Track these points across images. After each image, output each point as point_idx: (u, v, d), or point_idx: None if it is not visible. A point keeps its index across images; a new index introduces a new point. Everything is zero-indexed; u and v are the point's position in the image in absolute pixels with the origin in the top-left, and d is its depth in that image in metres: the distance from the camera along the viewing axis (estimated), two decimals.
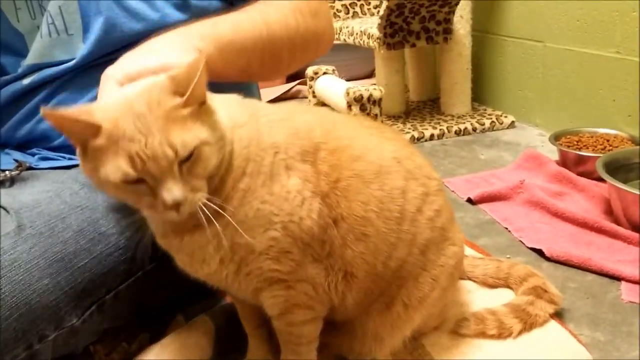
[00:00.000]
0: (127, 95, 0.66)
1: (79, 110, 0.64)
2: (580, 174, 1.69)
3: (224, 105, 0.74)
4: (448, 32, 2.33)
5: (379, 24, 2.24)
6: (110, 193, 0.68)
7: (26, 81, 1.00)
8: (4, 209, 0.83)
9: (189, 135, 0.63)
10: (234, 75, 0.91)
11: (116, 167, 0.62)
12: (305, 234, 0.75)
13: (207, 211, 0.66)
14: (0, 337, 0.72)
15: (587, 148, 1.80)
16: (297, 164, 0.75)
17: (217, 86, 0.75)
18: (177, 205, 0.64)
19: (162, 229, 0.75)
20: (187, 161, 0.64)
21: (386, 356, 0.94)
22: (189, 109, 0.64)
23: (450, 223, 0.91)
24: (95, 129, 0.62)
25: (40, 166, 0.98)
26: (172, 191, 0.63)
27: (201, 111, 0.66)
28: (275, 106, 0.84)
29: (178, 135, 0.63)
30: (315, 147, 0.78)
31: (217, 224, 0.68)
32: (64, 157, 1.00)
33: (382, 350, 0.91)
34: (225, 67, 0.88)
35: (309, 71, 2.64)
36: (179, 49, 0.80)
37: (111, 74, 0.77)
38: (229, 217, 0.69)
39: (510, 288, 1.14)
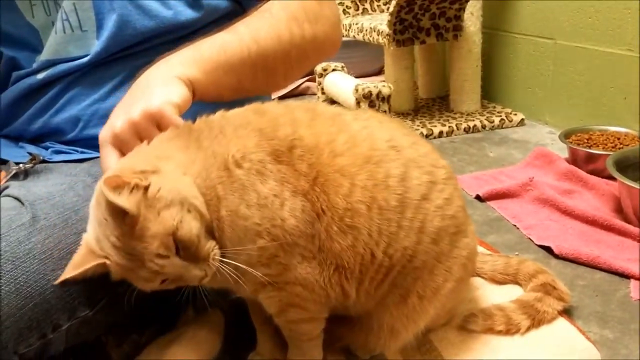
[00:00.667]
0: (97, 215, 0.71)
1: (79, 255, 0.72)
2: (591, 172, 1.69)
3: (164, 158, 0.75)
4: (458, 29, 2.33)
5: (388, 21, 2.24)
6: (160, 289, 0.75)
7: (40, 76, 1.01)
8: (19, 200, 0.84)
9: (161, 235, 0.68)
10: (227, 95, 0.92)
11: (143, 285, 0.73)
12: (290, 235, 0.75)
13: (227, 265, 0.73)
14: (16, 326, 0.73)
15: (598, 146, 1.80)
16: (269, 166, 0.75)
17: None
18: (204, 277, 0.72)
19: None
20: (179, 249, 0.69)
21: (397, 351, 0.95)
22: (140, 215, 0.68)
23: (462, 214, 0.90)
24: (102, 269, 0.71)
25: (54, 159, 0.99)
26: (192, 276, 0.71)
27: (150, 199, 0.68)
28: (232, 114, 0.83)
29: (155, 244, 0.68)
30: (289, 146, 0.77)
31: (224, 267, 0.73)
32: (77, 151, 1.02)
33: (396, 344, 0.91)
34: (216, 88, 0.90)
35: (318, 68, 2.64)
36: (160, 84, 0.83)
37: (103, 139, 0.81)
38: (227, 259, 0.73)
39: (519, 284, 1.14)
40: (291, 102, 0.90)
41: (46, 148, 1.03)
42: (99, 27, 0.99)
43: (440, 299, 0.89)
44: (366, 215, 0.78)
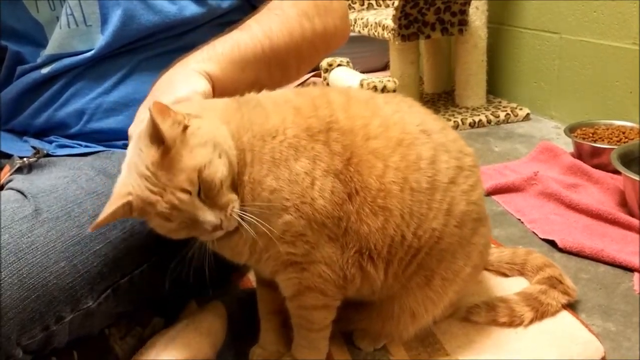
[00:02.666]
0: (129, 162, 0.73)
1: (109, 202, 0.71)
2: (596, 166, 1.68)
3: (206, 109, 0.77)
4: (463, 23, 2.32)
5: (393, 15, 2.24)
6: (175, 237, 0.75)
7: (45, 70, 1.02)
8: (22, 193, 0.84)
9: (189, 170, 0.69)
10: (244, 91, 0.93)
11: (158, 226, 0.73)
12: (319, 214, 0.76)
13: (247, 217, 0.72)
14: (19, 318, 0.73)
15: (603, 140, 1.79)
16: (303, 142, 0.76)
17: None
18: (217, 226, 0.71)
19: None
20: (201, 189, 0.69)
21: (406, 341, 0.95)
22: (174, 147, 0.69)
23: (483, 202, 0.92)
24: (127, 209, 0.70)
25: (58, 153, 1.00)
26: (207, 220, 0.70)
27: (187, 136, 0.70)
28: (272, 92, 0.85)
29: (181, 177, 0.68)
30: (326, 127, 0.78)
31: (242, 223, 0.73)
32: (81, 145, 1.02)
33: (415, 328, 0.91)
34: (233, 84, 0.90)
35: (324, 63, 2.63)
36: (182, 80, 0.85)
37: (132, 133, 0.81)
38: (248, 214, 0.72)
39: (525, 276, 1.14)
40: (324, 86, 0.91)
41: (50, 142, 1.04)
42: (104, 22, 1.00)
43: (459, 283, 0.89)
44: (399, 196, 0.79)
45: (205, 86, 0.85)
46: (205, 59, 0.89)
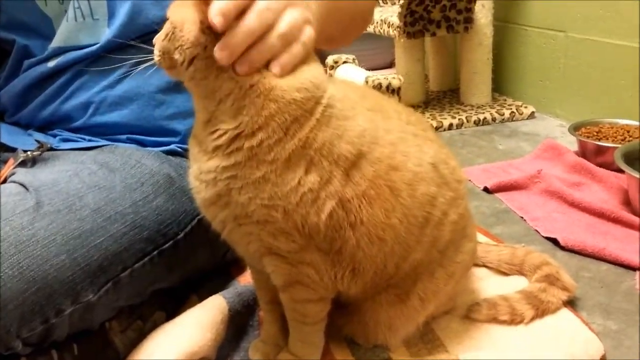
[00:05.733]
0: None
1: None
2: (600, 165, 1.68)
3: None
4: (469, 21, 2.31)
5: (399, 13, 2.24)
6: None
7: (51, 64, 1.03)
8: (24, 186, 0.85)
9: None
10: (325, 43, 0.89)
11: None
12: (310, 228, 0.71)
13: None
14: (19, 310, 0.74)
15: (607, 139, 1.79)
16: (325, 163, 0.70)
17: None
18: None
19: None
20: None
21: (399, 343, 0.95)
22: None
23: (469, 220, 0.89)
24: None
25: (61, 147, 1.01)
26: None
27: None
28: (349, 90, 0.78)
29: None
30: (357, 155, 0.72)
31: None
32: (84, 139, 1.03)
33: (396, 338, 0.91)
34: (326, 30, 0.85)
35: (329, 60, 2.63)
36: None
37: None
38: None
39: (524, 275, 1.14)
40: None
41: (54, 136, 1.04)
42: (111, 15, 1.00)
43: (441, 298, 0.89)
44: (398, 229, 0.76)
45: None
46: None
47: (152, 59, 0.73)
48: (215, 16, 0.64)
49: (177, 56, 0.68)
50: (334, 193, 0.71)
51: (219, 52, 0.66)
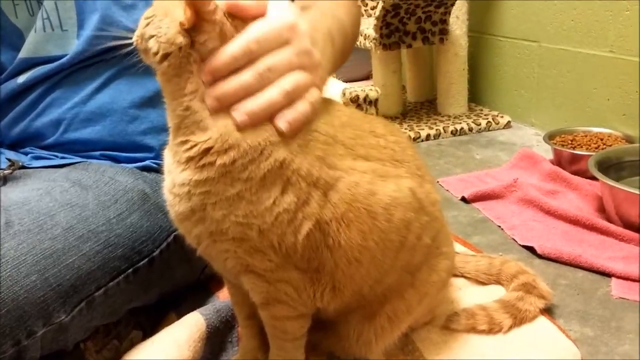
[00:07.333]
0: None
1: None
2: (575, 173, 1.70)
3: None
4: (444, 32, 2.34)
5: (375, 25, 2.25)
6: None
7: (21, 79, 1.01)
8: None
9: None
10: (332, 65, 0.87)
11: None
12: (287, 248, 0.70)
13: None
14: None
15: (581, 147, 1.81)
16: (303, 184, 0.68)
17: None
18: None
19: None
20: None
21: (379, 355, 0.94)
22: None
23: (444, 238, 0.88)
24: None
25: (33, 165, 0.99)
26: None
27: None
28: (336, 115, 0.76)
29: None
30: (337, 177, 0.70)
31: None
32: (57, 156, 1.01)
33: (374, 352, 0.90)
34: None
35: None
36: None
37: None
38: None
39: (502, 284, 1.14)
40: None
41: (26, 154, 1.03)
42: (80, 26, 0.99)
43: (415, 316, 0.87)
44: (372, 253, 0.74)
45: None
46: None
47: (132, 44, 0.70)
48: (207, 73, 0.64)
49: (151, 44, 0.66)
50: (310, 215, 0.69)
51: (207, 98, 0.65)
